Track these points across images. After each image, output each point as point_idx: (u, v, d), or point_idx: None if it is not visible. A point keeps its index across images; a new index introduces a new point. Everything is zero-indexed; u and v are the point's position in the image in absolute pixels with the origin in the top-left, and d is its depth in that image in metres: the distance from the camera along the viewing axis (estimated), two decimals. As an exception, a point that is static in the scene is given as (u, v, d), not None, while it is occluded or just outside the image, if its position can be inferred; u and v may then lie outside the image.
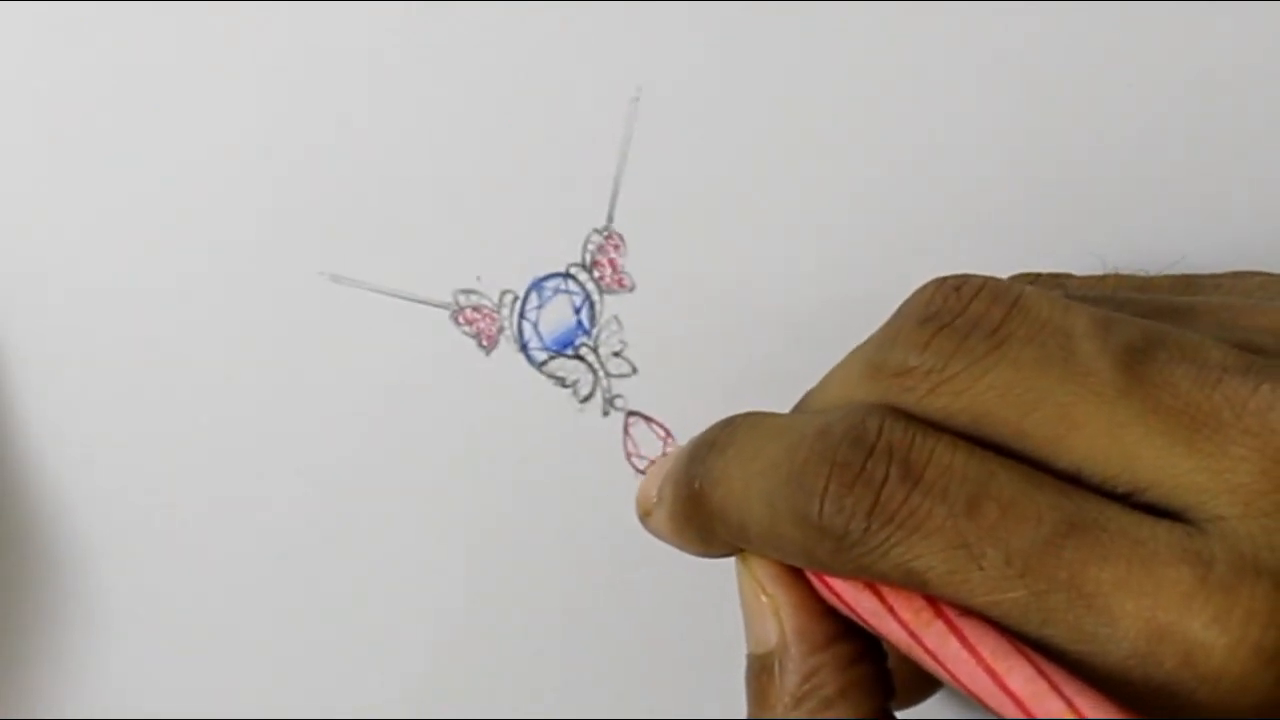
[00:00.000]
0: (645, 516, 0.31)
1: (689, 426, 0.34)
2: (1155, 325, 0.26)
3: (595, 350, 0.35)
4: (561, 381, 0.35)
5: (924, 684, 0.32)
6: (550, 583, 0.36)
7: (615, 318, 0.35)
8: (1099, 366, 0.25)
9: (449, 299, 0.35)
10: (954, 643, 0.24)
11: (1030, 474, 0.25)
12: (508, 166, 0.34)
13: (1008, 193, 0.35)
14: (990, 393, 0.25)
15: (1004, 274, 0.33)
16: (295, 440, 0.35)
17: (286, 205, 0.34)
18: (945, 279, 0.27)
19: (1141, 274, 0.32)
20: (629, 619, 0.36)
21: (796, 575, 0.28)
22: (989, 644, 0.24)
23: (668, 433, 0.35)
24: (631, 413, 0.36)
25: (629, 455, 0.36)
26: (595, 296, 0.35)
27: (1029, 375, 0.25)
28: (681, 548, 0.30)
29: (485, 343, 0.35)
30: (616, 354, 0.35)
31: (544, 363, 0.35)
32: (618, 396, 0.35)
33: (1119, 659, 0.23)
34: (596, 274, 0.35)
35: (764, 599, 0.28)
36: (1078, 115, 0.35)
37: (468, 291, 0.35)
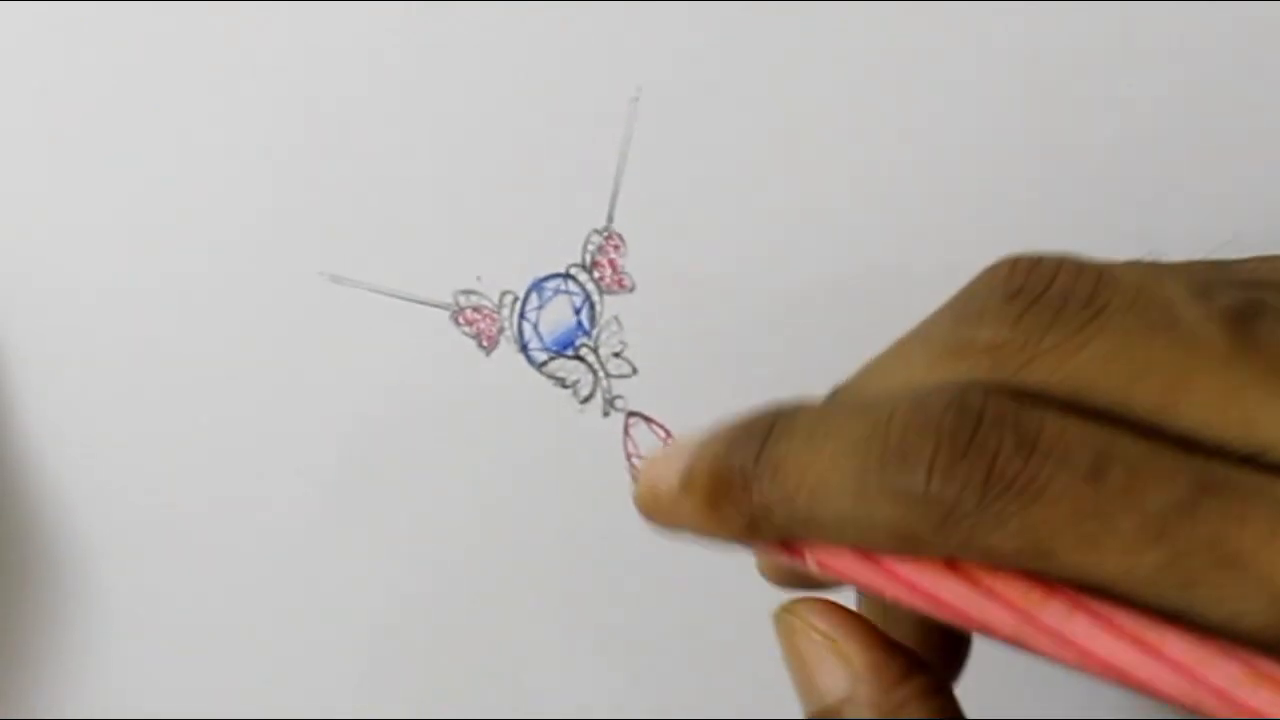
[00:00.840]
0: (654, 507, 0.28)
1: (689, 427, 0.34)
2: (1249, 290, 0.25)
3: (595, 351, 0.35)
4: (562, 382, 0.35)
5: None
6: (550, 582, 0.36)
7: (615, 318, 0.35)
8: (1208, 330, 0.24)
9: (449, 299, 0.35)
10: (1082, 619, 0.23)
11: (1149, 438, 0.24)
12: (508, 167, 0.34)
13: (1019, 186, 0.35)
14: (1093, 363, 0.24)
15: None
16: (295, 440, 0.35)
17: (286, 205, 0.34)
18: (1019, 257, 0.26)
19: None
20: (628, 619, 0.36)
21: (854, 614, 0.26)
22: (1123, 616, 0.23)
23: (668, 433, 0.35)
24: (632, 413, 0.35)
25: (629, 456, 0.36)
26: (595, 297, 0.35)
27: (1134, 342, 0.24)
28: (707, 535, 0.28)
29: (485, 343, 0.35)
30: (617, 354, 0.35)
31: (544, 363, 0.35)
32: (618, 397, 0.35)
33: (1266, 622, 0.22)
34: (596, 274, 0.35)
35: (823, 642, 0.26)
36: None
37: (468, 292, 0.35)
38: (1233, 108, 0.35)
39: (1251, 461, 0.23)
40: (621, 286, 0.35)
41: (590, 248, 0.35)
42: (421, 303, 0.35)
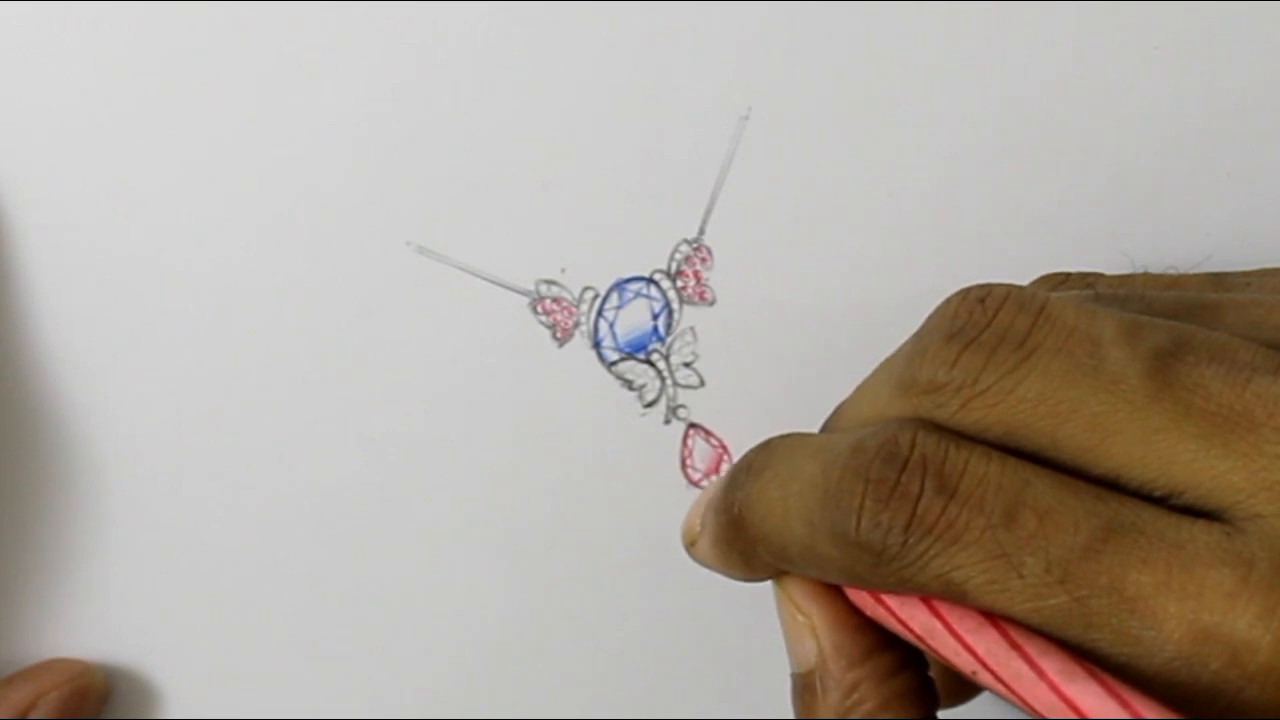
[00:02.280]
0: (690, 546, 0.31)
1: (747, 445, 0.35)
2: (1183, 327, 0.26)
3: (667, 358, 0.35)
4: (629, 384, 0.36)
5: (966, 688, 0.32)
6: (592, 581, 0.36)
7: (691, 329, 0.35)
8: (1129, 373, 0.25)
9: (530, 287, 0.35)
10: (1018, 661, 0.24)
11: (1066, 481, 0.25)
12: (610, 166, 0.34)
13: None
14: (1022, 405, 0.26)
15: (1037, 272, 0.34)
16: (361, 407, 0.35)
17: (388, 173, 0.34)
18: (969, 290, 0.27)
19: (1171, 272, 0.32)
20: (672, 623, 0.37)
21: (831, 592, 0.28)
22: (1054, 663, 0.24)
23: (724, 448, 0.36)
24: (693, 424, 0.36)
25: (684, 465, 0.36)
26: (675, 305, 0.35)
27: (1060, 386, 0.25)
28: (726, 573, 0.30)
29: (559, 335, 0.35)
30: (687, 365, 0.35)
31: (614, 363, 0.35)
32: (681, 406, 0.36)
33: (1164, 661, 0.23)
34: (680, 283, 0.35)
35: (800, 618, 0.28)
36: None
37: (550, 282, 0.35)
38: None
39: (1166, 502, 0.25)
40: (702, 299, 0.35)
41: (678, 256, 0.35)
42: (504, 286, 0.35)
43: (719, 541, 0.30)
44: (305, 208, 0.34)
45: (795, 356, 0.35)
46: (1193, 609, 0.23)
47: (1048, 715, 0.24)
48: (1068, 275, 0.33)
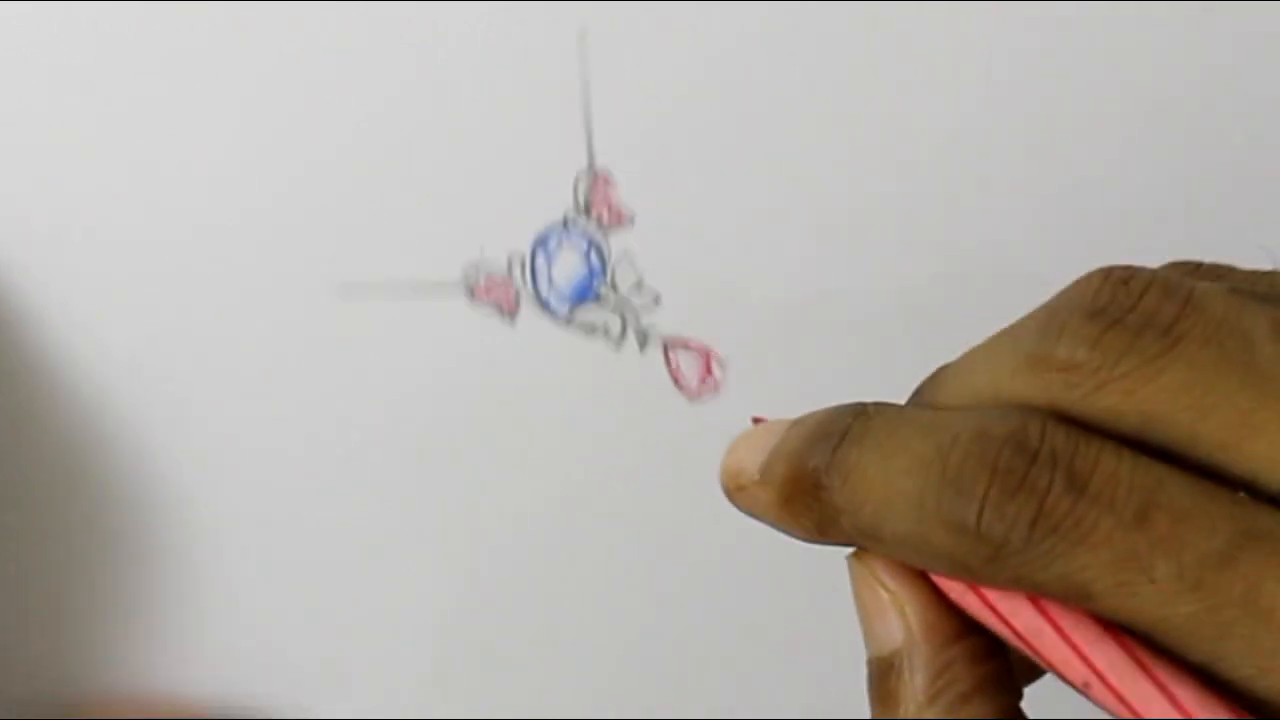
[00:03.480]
0: (737, 491, 0.29)
1: (726, 340, 0.34)
2: None
3: (615, 289, 0.35)
4: (591, 328, 0.35)
5: (1028, 673, 0.31)
6: (626, 523, 0.36)
7: (625, 252, 0.35)
8: None
9: (458, 276, 0.35)
10: (1146, 684, 0.23)
11: (1202, 483, 0.24)
12: (477, 134, 0.34)
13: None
14: (1163, 394, 0.24)
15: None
16: (341, 446, 0.36)
17: (282, 221, 0.35)
18: (1112, 269, 0.26)
19: None
20: (701, 557, 0.36)
21: (916, 572, 0.27)
22: (1189, 692, 0.23)
23: (706, 350, 0.35)
24: (668, 340, 0.35)
25: (677, 382, 0.35)
26: (599, 238, 0.35)
27: (1206, 377, 0.24)
28: (784, 528, 0.28)
29: (507, 310, 0.35)
30: (638, 285, 0.35)
31: (569, 316, 0.35)
32: (650, 326, 0.35)
33: None
34: (594, 215, 0.35)
35: (885, 595, 0.27)
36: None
37: (476, 265, 0.35)
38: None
39: None
40: (621, 220, 0.35)
41: (580, 190, 0.35)
42: (434, 284, 0.35)
43: (791, 500, 0.28)
44: (224, 268, 0.35)
45: (736, 240, 0.35)
46: None
47: None
48: (1198, 265, 0.31)
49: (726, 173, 0.35)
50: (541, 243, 0.35)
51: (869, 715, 0.27)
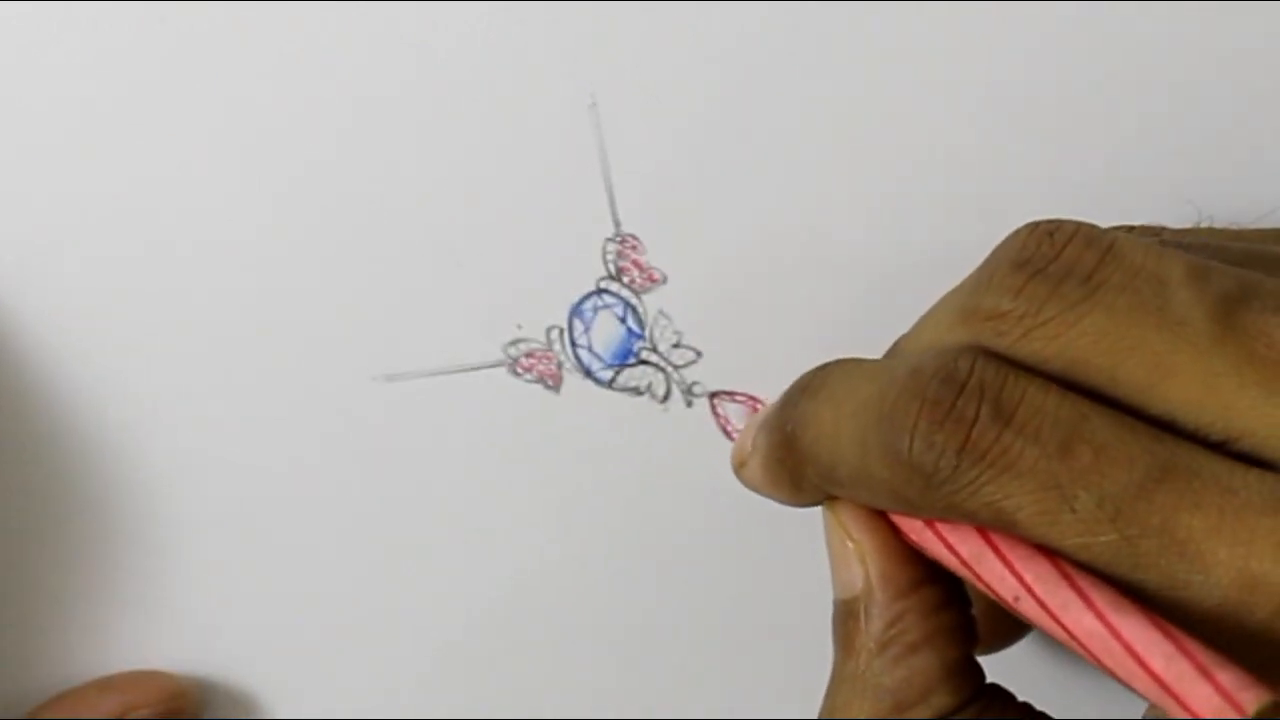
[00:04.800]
0: (740, 468, 0.31)
1: (771, 385, 0.34)
2: (1250, 274, 0.26)
3: (655, 349, 0.35)
4: (636, 390, 0.35)
5: (1008, 630, 0.32)
6: (699, 574, 0.37)
7: (661, 312, 0.35)
8: (1194, 315, 0.25)
9: (500, 355, 0.35)
10: (1066, 590, 0.24)
11: (1123, 419, 0.25)
12: (501, 213, 0.34)
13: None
14: (1084, 339, 0.25)
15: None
16: (407, 535, 0.36)
17: (320, 323, 0.35)
18: (1039, 224, 0.27)
19: (1235, 226, 0.31)
20: (771, 600, 0.37)
21: (882, 521, 0.28)
22: (1103, 595, 0.24)
23: (752, 398, 0.35)
24: (714, 393, 0.35)
25: (727, 433, 0.36)
26: (633, 300, 0.35)
27: (1123, 322, 0.25)
28: (773, 496, 0.30)
29: (551, 382, 0.35)
30: (676, 345, 0.35)
31: (612, 380, 0.35)
32: (695, 384, 0.35)
33: (1212, 606, 0.23)
34: (626, 279, 0.35)
35: (849, 544, 0.28)
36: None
37: (515, 342, 0.35)
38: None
39: (1222, 448, 0.24)
40: (653, 281, 0.35)
41: (610, 256, 0.35)
42: (477, 368, 0.35)
43: (769, 461, 0.30)
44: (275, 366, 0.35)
45: (767, 286, 0.35)
46: (1243, 556, 0.23)
47: (1088, 643, 0.24)
48: (1132, 227, 0.32)
49: (752, 223, 0.35)
50: (577, 312, 0.35)
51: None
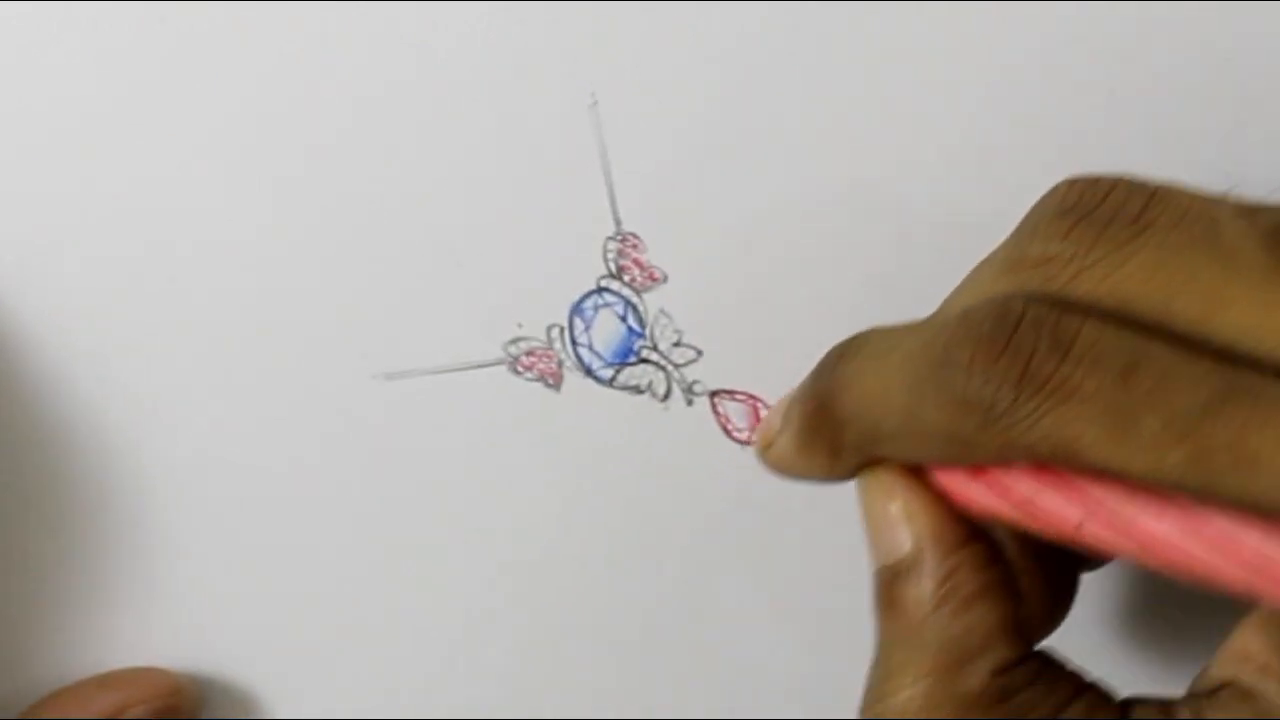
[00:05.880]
0: (766, 449, 0.31)
1: (771, 384, 0.34)
2: None
3: (655, 348, 0.35)
4: (636, 389, 0.36)
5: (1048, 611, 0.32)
6: (701, 574, 0.37)
7: (662, 311, 0.35)
8: (1246, 246, 0.25)
9: (500, 354, 0.35)
10: (1138, 503, 0.24)
11: (1182, 347, 0.25)
12: (504, 213, 0.34)
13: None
14: (1135, 276, 0.25)
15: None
16: (406, 532, 0.36)
17: (314, 315, 0.35)
18: (1076, 177, 0.27)
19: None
20: (768, 597, 0.37)
21: (925, 481, 0.28)
22: (1172, 511, 0.24)
23: (753, 397, 0.35)
24: (714, 392, 0.35)
25: (728, 432, 0.36)
26: (634, 299, 0.35)
27: (1175, 258, 0.25)
28: (804, 471, 0.30)
29: (552, 381, 0.35)
30: (677, 344, 0.35)
31: (613, 378, 0.35)
32: (695, 382, 0.35)
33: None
34: (627, 278, 0.35)
35: (894, 506, 0.28)
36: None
37: (515, 340, 0.35)
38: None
39: None
40: (654, 280, 0.35)
41: (610, 255, 0.35)
42: (477, 367, 0.35)
43: (803, 433, 0.29)
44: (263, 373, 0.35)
45: (768, 285, 0.35)
46: None
47: (1166, 548, 0.24)
48: None
49: (752, 222, 0.35)
50: (578, 310, 0.35)
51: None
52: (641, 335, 0.35)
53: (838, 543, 0.35)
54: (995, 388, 0.25)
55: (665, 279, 0.35)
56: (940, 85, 0.34)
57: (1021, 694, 0.27)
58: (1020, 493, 0.26)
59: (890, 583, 0.28)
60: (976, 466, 0.27)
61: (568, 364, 0.35)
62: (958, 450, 0.26)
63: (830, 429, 0.29)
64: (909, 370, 0.26)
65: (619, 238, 0.35)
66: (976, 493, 0.27)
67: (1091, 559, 0.30)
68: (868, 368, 0.28)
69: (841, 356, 0.28)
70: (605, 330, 0.35)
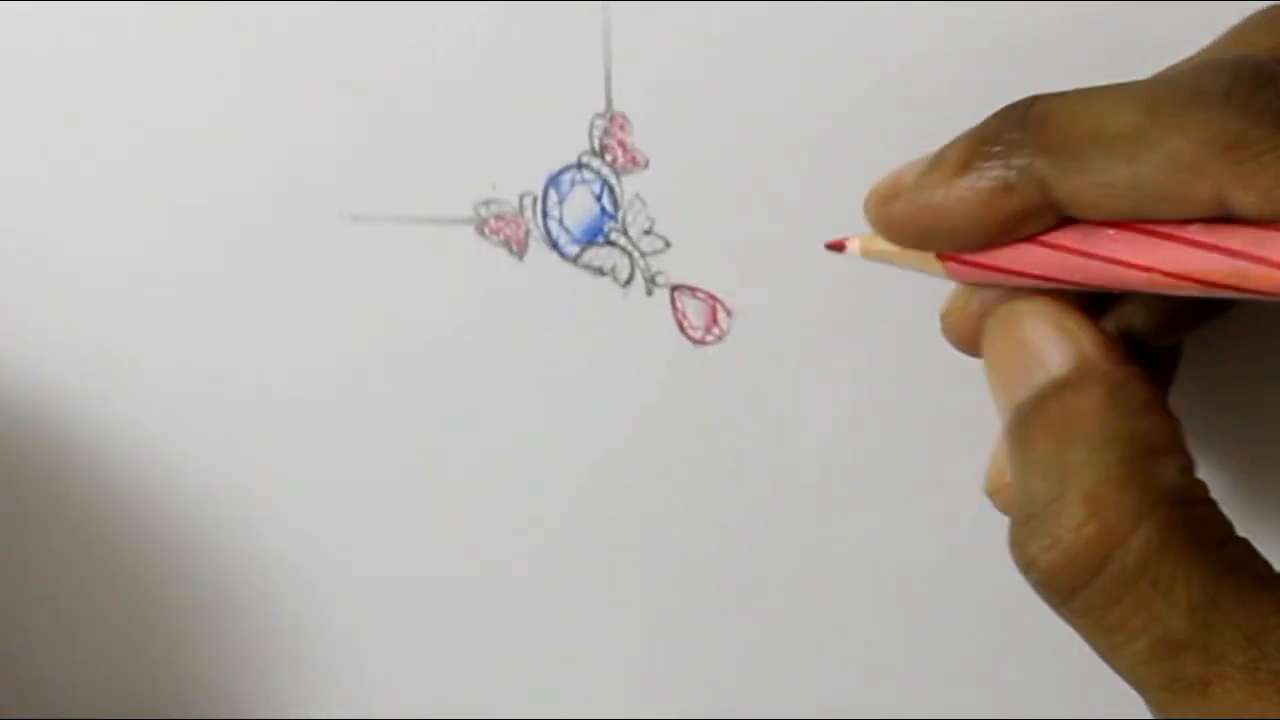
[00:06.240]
0: (886, 203, 0.28)
1: (732, 288, 0.34)
2: None
3: (625, 233, 0.35)
4: (599, 270, 0.35)
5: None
6: (631, 466, 0.37)
7: (638, 196, 0.35)
8: None
9: (470, 212, 0.35)
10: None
11: None
12: (498, 71, 0.34)
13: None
14: None
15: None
16: (357, 378, 0.36)
17: (289, 152, 0.34)
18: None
19: None
20: (714, 501, 0.37)
21: (1076, 304, 0.27)
22: None
23: (713, 297, 0.35)
24: (676, 286, 0.35)
25: (682, 328, 0.35)
26: (613, 180, 0.35)
27: None
28: (946, 218, 0.27)
29: (516, 248, 0.35)
30: (647, 232, 0.35)
31: (578, 256, 0.35)
32: (659, 273, 0.35)
33: None
34: (609, 157, 0.34)
35: (1053, 322, 0.27)
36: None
37: (487, 202, 0.35)
38: None
39: None
40: (636, 164, 0.34)
41: (596, 132, 0.34)
42: (444, 221, 0.35)
43: (966, 164, 0.27)
44: (224, 205, 0.34)
45: (748, 188, 0.35)
46: None
47: None
48: None
49: (744, 124, 0.34)
50: (554, 182, 0.35)
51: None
52: (613, 218, 0.35)
53: (768, 459, 0.36)
54: (1252, 119, 0.24)
55: (647, 165, 0.34)
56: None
57: (1203, 505, 0.25)
58: (1161, 256, 0.25)
59: (1042, 404, 0.26)
60: (1146, 223, 0.25)
61: (535, 234, 0.35)
62: (1176, 182, 0.25)
63: (1011, 156, 0.26)
64: (1138, 103, 0.25)
65: (607, 116, 0.34)
66: (1121, 252, 0.26)
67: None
68: (1077, 103, 0.26)
69: (1038, 99, 0.26)
70: (578, 207, 0.35)
